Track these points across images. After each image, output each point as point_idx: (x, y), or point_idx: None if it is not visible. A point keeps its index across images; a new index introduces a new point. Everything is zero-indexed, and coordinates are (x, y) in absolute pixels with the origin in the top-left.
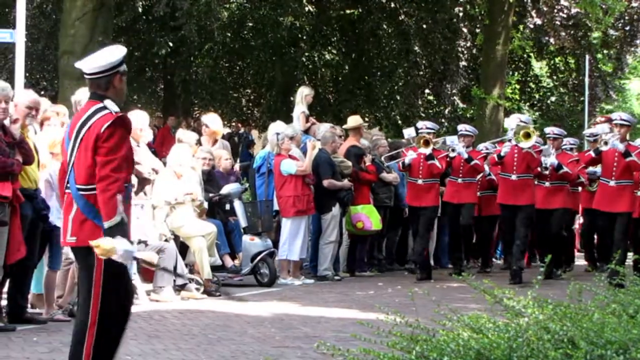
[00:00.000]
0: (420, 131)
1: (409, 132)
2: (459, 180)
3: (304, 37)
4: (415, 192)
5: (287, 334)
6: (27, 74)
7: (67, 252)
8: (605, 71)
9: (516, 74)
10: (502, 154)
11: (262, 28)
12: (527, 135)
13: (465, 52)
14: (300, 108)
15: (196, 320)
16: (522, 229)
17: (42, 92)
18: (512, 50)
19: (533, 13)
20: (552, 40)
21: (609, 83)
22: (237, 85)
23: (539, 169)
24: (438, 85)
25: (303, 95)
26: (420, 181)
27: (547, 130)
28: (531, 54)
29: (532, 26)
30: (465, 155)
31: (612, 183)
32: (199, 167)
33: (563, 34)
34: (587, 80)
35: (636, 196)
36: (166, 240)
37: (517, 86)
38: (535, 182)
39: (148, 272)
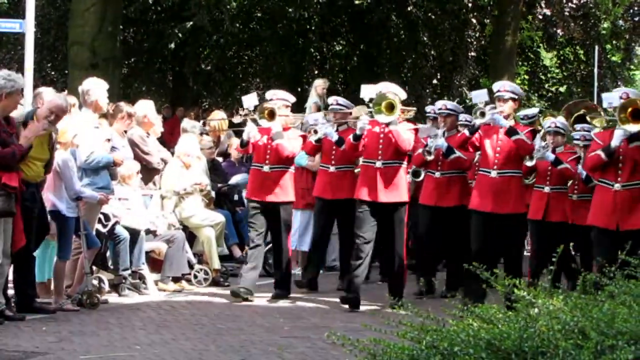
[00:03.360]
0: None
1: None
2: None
3: (313, 28)
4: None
5: (296, 324)
6: (36, 65)
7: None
8: (615, 62)
9: (525, 64)
10: (358, 132)
11: (270, 19)
12: (391, 108)
13: (474, 42)
14: (312, 99)
15: (205, 310)
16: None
17: (51, 84)
18: (521, 40)
19: (542, 3)
20: (560, 31)
21: (617, 74)
22: (245, 75)
23: (422, 153)
24: (447, 76)
25: (315, 86)
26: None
27: (438, 104)
28: (540, 45)
29: (541, 17)
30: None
31: (493, 174)
32: (204, 157)
33: (572, 24)
34: (596, 71)
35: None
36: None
37: (526, 77)
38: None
39: (156, 262)
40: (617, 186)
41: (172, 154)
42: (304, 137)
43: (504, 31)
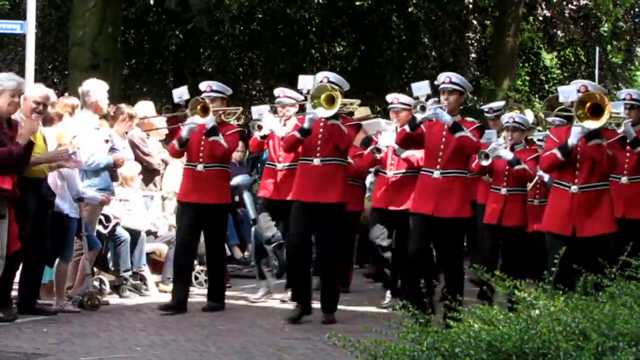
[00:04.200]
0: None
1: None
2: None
3: (314, 29)
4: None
5: (297, 326)
6: (37, 66)
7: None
8: (615, 63)
9: (526, 65)
10: (305, 126)
11: (271, 20)
12: (331, 101)
13: (475, 44)
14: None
15: (206, 312)
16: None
17: (52, 85)
18: (522, 42)
19: (543, 5)
20: (560, 32)
21: (618, 75)
22: (246, 76)
23: (372, 151)
24: None
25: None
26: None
27: (389, 97)
28: (541, 46)
29: (541, 18)
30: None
31: (435, 174)
32: None
33: (572, 26)
34: (597, 72)
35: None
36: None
37: (527, 78)
38: (366, 181)
39: (157, 264)
40: (574, 188)
41: None
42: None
43: (504, 32)
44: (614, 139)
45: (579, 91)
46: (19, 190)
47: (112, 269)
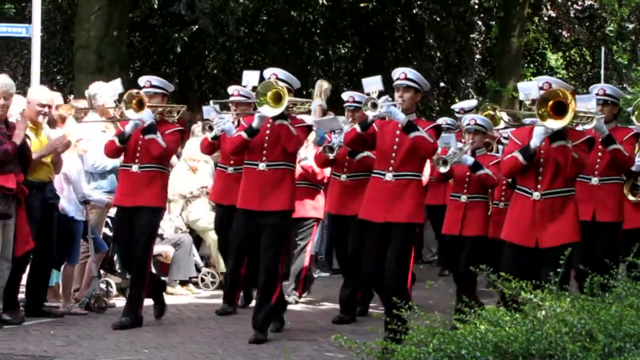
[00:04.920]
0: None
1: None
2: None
3: (318, 31)
4: None
5: (303, 327)
6: (43, 69)
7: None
8: (621, 63)
9: (531, 66)
10: (254, 126)
11: (275, 22)
12: (278, 99)
13: (479, 44)
14: (317, 101)
15: (212, 314)
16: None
17: (55, 88)
18: (527, 42)
19: (548, 5)
20: (566, 33)
21: (624, 75)
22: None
23: (324, 150)
24: (452, 78)
25: (322, 88)
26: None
27: (345, 96)
28: (546, 46)
29: (546, 18)
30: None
31: (387, 176)
32: (211, 160)
33: (578, 26)
34: (602, 72)
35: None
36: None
37: (532, 78)
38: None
39: (163, 266)
40: (536, 195)
41: (179, 157)
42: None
43: (509, 33)
44: (581, 140)
45: (541, 88)
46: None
47: (119, 271)
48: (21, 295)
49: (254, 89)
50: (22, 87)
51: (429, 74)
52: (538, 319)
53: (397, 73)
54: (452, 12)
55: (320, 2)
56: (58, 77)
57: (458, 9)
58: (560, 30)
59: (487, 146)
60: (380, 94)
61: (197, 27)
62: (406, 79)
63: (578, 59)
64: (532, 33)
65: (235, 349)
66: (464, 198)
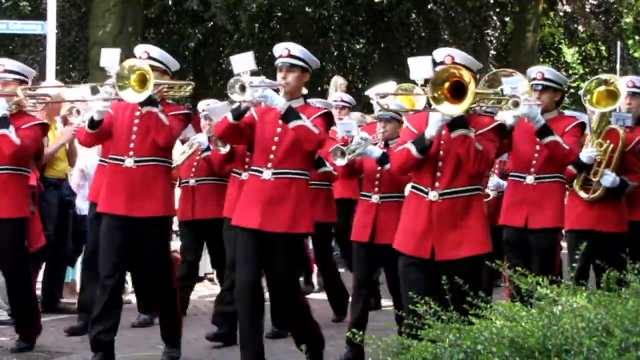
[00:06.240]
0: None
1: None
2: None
3: (333, 27)
4: None
5: (319, 323)
6: (58, 66)
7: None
8: (637, 58)
9: (547, 61)
10: (96, 117)
11: (290, 18)
12: (143, 82)
13: (494, 40)
14: (332, 97)
15: None
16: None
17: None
18: (542, 37)
19: (563, 0)
20: (581, 27)
21: (639, 70)
22: (266, 75)
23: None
24: None
25: (337, 84)
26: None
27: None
28: (562, 41)
29: (562, 13)
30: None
31: (265, 174)
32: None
33: (594, 21)
34: (618, 67)
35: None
36: None
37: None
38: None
39: (178, 262)
40: (432, 194)
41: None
42: None
43: (525, 28)
44: (489, 127)
45: (442, 63)
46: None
47: None
48: (37, 292)
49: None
50: (37, 84)
51: None
52: (554, 314)
53: (279, 50)
54: (467, 7)
55: None
56: (73, 74)
57: (473, 4)
58: (575, 25)
59: None
60: (254, 75)
61: (211, 23)
62: (289, 55)
63: (594, 54)
64: (547, 28)
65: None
66: (374, 198)
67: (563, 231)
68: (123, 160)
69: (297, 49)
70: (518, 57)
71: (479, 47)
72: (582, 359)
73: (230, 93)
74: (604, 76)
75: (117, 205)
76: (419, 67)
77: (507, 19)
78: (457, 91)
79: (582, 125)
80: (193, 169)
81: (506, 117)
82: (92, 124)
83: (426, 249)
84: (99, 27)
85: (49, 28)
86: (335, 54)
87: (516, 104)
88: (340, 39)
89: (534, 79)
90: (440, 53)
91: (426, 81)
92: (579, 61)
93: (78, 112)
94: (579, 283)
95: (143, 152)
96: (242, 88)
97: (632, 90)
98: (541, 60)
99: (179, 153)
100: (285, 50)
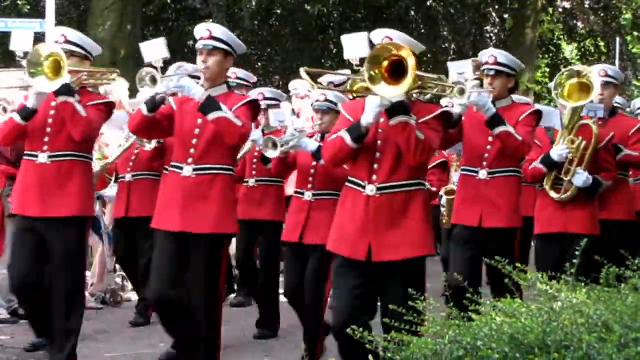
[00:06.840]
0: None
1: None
2: None
3: (332, 24)
4: None
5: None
6: None
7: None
8: (636, 53)
9: (546, 57)
10: (29, 105)
11: (289, 15)
12: (57, 69)
13: (494, 36)
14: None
15: (229, 307)
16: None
17: None
18: (541, 33)
19: None
20: (580, 23)
21: (638, 66)
22: (265, 72)
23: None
24: None
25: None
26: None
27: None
28: (561, 37)
29: (561, 9)
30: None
31: (186, 170)
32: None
33: (592, 17)
34: (617, 62)
35: None
36: None
37: (547, 69)
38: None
39: None
40: (369, 188)
41: None
42: None
43: (524, 24)
44: (432, 115)
45: (382, 39)
46: None
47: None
48: None
49: (26, 54)
50: None
51: (443, 67)
52: (554, 310)
53: (200, 31)
54: (466, 3)
55: None
56: None
57: (472, 0)
58: (574, 21)
59: None
60: (166, 63)
61: (210, 20)
62: (211, 37)
63: (593, 50)
64: (546, 24)
65: (252, 342)
66: (307, 195)
67: (532, 240)
68: (36, 156)
69: (219, 30)
70: (517, 53)
71: (478, 43)
72: (581, 354)
73: (140, 86)
74: (576, 67)
75: (28, 205)
76: (354, 44)
77: (506, 15)
78: (397, 71)
79: (537, 113)
80: (130, 163)
81: (453, 104)
82: (26, 113)
83: (362, 249)
84: (98, 24)
85: (47, 26)
86: (334, 50)
87: (462, 92)
88: (339, 35)
89: (486, 62)
90: (378, 34)
91: (362, 60)
92: (577, 57)
93: (4, 109)
94: (579, 280)
95: (58, 147)
96: (153, 80)
97: (605, 80)
98: (540, 56)
99: (116, 146)
100: (206, 31)
